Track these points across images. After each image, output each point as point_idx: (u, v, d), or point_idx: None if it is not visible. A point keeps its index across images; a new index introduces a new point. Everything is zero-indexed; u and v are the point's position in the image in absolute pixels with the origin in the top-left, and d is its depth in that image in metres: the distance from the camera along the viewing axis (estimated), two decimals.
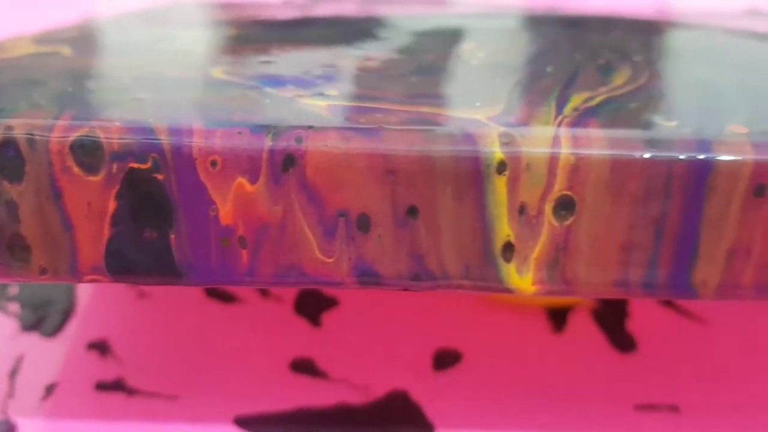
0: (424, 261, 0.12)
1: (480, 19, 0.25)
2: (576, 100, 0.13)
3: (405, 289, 0.12)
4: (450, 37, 0.19)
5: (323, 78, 0.15)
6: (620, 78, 0.15)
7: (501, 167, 0.12)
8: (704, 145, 0.12)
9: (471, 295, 0.24)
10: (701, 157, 0.12)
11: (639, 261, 0.12)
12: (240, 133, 0.12)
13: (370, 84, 0.14)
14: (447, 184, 0.12)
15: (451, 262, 0.12)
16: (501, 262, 0.12)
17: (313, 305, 0.23)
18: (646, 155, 0.12)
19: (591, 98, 0.14)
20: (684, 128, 0.12)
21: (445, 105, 0.13)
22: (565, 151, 0.12)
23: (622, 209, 0.12)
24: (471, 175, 0.12)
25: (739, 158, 0.12)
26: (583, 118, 0.12)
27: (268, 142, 0.11)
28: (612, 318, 0.23)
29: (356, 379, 0.20)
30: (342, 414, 0.19)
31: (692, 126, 0.12)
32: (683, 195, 0.12)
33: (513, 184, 0.12)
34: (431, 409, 0.19)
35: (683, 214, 0.12)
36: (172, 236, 0.12)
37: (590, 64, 0.16)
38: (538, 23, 0.23)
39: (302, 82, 0.14)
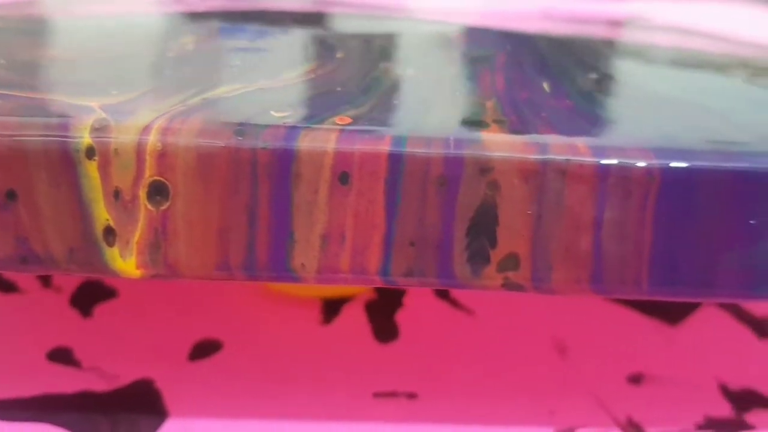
0: (29, 244, 0.13)
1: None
2: (220, 91, 0.14)
3: (18, 272, 0.12)
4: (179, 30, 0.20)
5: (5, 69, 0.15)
6: (294, 73, 0.16)
7: (90, 153, 0.12)
8: (290, 134, 0.12)
9: (247, 285, 0.24)
10: (284, 145, 0.12)
11: (237, 245, 0.13)
12: None
13: (42, 74, 0.14)
14: (41, 169, 0.12)
15: (55, 245, 0.13)
16: (104, 245, 0.13)
17: (89, 296, 0.24)
18: (229, 143, 0.12)
19: (232, 90, 0.14)
20: (291, 118, 0.13)
21: (75, 93, 0.13)
22: (153, 138, 0.12)
23: (213, 195, 0.12)
24: (63, 160, 0.12)
25: (321, 147, 0.12)
26: (198, 108, 0.13)
27: None
28: (383, 309, 0.24)
29: (108, 368, 0.21)
30: (80, 400, 0.20)
31: (300, 116, 0.13)
32: (270, 182, 0.12)
33: (105, 170, 0.12)
34: (171, 397, 0.20)
35: (273, 200, 0.12)
36: None
37: (284, 58, 0.17)
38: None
39: None
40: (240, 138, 0.12)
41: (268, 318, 0.23)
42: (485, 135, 0.13)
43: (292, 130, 0.12)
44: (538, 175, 0.12)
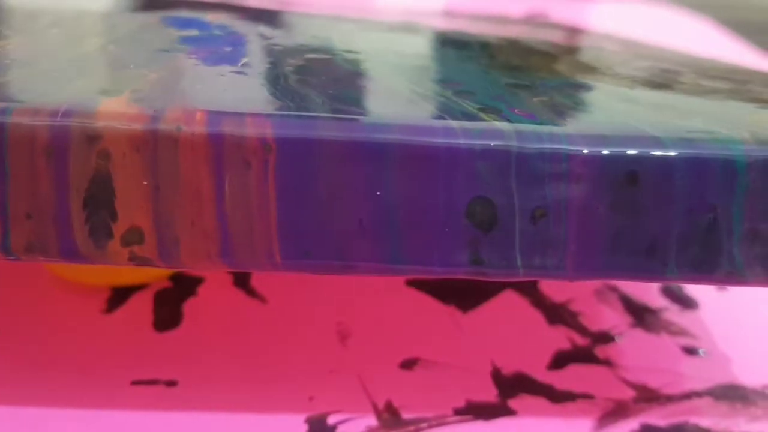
0: None
1: None
2: None
3: None
4: None
5: None
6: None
7: None
8: None
9: (35, 273, 0.24)
10: None
11: None
12: None
13: None
14: None
15: None
16: None
17: None
18: None
19: None
20: None
21: None
22: None
23: None
24: None
25: None
26: None
27: None
28: (173, 298, 0.23)
29: None
30: None
31: None
32: None
33: None
34: None
35: None
36: None
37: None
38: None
39: None
40: None
41: (48, 306, 0.22)
42: (102, 104, 0.12)
43: None
44: (149, 145, 0.12)
